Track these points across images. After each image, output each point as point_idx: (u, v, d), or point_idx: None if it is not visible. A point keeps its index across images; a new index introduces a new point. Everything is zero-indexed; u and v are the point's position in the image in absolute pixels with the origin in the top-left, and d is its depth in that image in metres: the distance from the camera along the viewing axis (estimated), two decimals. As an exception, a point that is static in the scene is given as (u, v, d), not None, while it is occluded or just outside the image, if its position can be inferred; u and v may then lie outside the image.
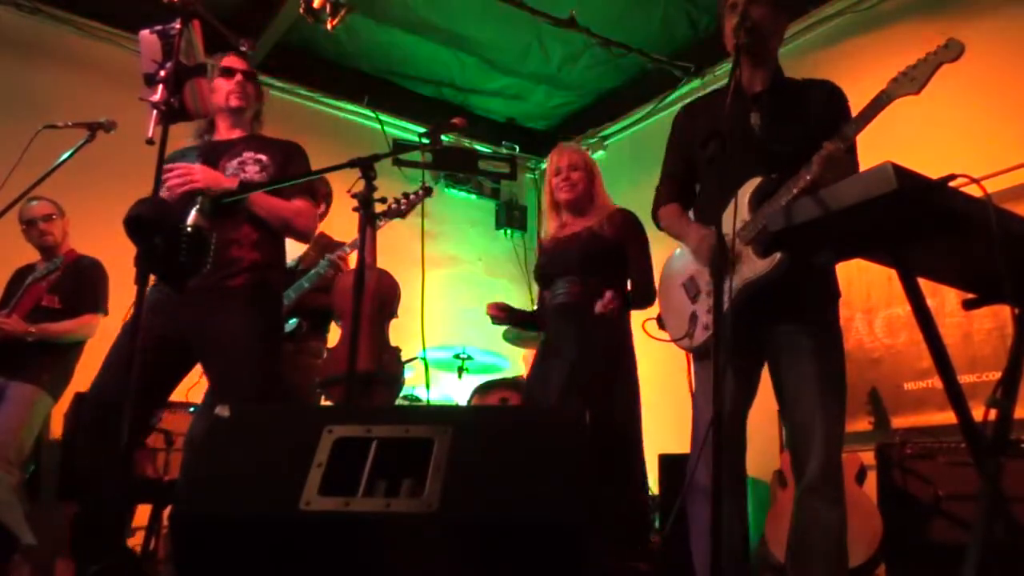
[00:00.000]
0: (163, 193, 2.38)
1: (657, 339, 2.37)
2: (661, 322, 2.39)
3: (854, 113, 2.04)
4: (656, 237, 2.64)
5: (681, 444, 2.28)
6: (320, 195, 3.26)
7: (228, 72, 2.68)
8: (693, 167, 2.39)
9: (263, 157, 2.60)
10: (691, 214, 2.41)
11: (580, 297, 2.86)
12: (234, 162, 2.58)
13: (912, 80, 1.91)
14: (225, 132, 2.71)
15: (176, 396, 2.72)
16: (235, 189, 2.44)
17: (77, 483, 3.04)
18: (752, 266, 2.06)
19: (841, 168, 1.95)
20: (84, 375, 3.74)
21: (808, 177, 1.97)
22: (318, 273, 3.45)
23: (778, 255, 1.99)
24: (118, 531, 2.46)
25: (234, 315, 2.41)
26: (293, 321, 3.55)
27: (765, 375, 2.23)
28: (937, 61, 1.89)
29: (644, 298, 2.88)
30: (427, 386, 3.28)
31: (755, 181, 2.11)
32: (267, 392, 2.40)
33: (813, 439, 2.03)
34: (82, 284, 3.75)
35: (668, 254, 2.44)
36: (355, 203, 2.25)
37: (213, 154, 2.62)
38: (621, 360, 2.89)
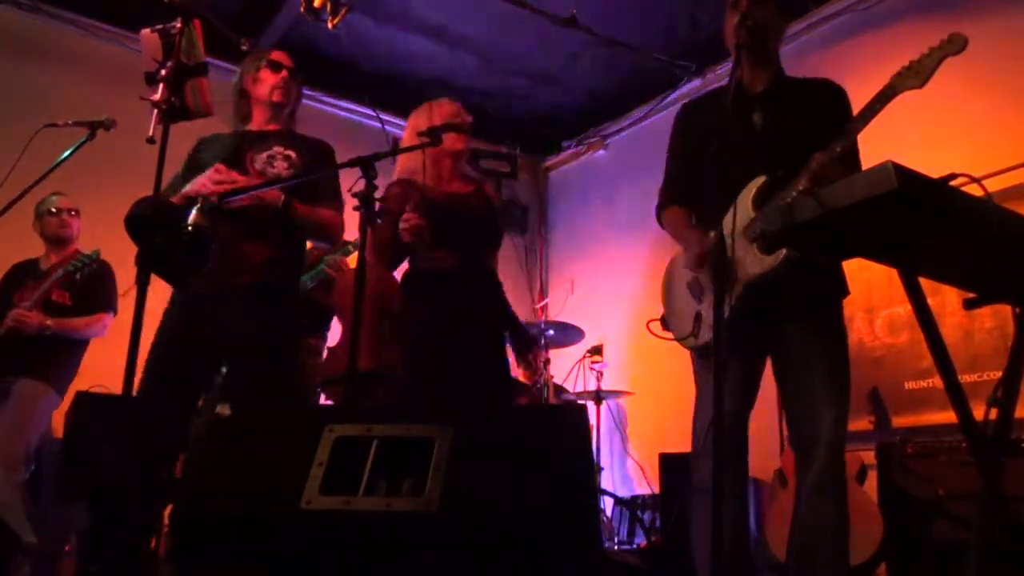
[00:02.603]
0: (191, 188, 2.39)
1: (661, 338, 2.37)
2: (665, 322, 2.39)
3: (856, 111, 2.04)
4: (652, 244, 2.64)
5: (682, 444, 2.28)
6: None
7: (275, 66, 2.70)
8: (695, 166, 2.39)
9: (292, 154, 2.60)
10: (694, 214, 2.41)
11: (463, 266, 2.70)
12: (263, 155, 2.58)
13: (916, 74, 1.91)
14: (260, 124, 2.71)
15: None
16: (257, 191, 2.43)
17: (100, 488, 3.03)
18: (759, 263, 2.06)
19: (832, 179, 1.95)
20: (86, 374, 3.75)
21: (801, 187, 1.97)
22: (320, 271, 3.45)
23: (783, 251, 1.99)
24: (141, 538, 2.46)
25: (245, 313, 2.43)
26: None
27: (766, 374, 2.23)
28: (941, 54, 1.89)
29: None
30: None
31: (759, 180, 2.12)
32: (279, 389, 2.41)
33: (818, 438, 2.03)
34: (94, 283, 3.73)
35: (666, 255, 2.44)
36: (356, 202, 2.25)
37: (244, 144, 2.62)
38: (501, 332, 2.81)
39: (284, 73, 2.70)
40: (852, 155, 2.13)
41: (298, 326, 2.70)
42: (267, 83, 2.69)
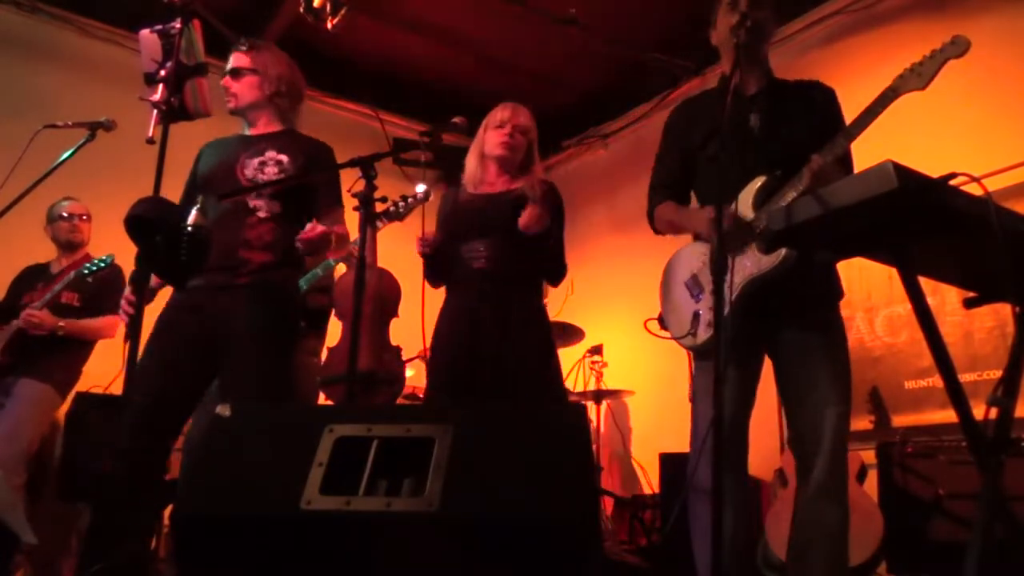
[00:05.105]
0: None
1: (660, 337, 2.37)
2: (663, 321, 2.39)
3: (853, 111, 2.04)
4: (652, 243, 2.64)
5: (682, 443, 2.28)
6: None
7: (233, 73, 2.69)
8: (688, 170, 2.39)
9: (284, 158, 2.56)
10: None
11: (502, 264, 2.68)
12: (255, 161, 2.56)
13: (919, 76, 1.92)
14: (259, 127, 2.70)
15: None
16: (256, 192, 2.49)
17: (100, 487, 3.03)
18: (757, 262, 2.06)
19: (830, 180, 1.95)
20: (86, 374, 3.75)
21: (800, 187, 1.98)
22: (315, 275, 3.45)
23: (784, 251, 1.99)
24: (137, 534, 2.46)
25: (243, 313, 2.42)
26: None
27: (766, 375, 2.22)
28: (943, 57, 1.90)
29: (558, 274, 2.81)
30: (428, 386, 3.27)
31: (759, 180, 2.12)
32: (274, 391, 2.41)
33: (821, 439, 2.03)
34: (104, 285, 3.74)
35: (666, 255, 2.44)
36: (355, 202, 2.25)
37: (240, 149, 2.60)
38: (545, 336, 2.74)
39: (225, 79, 2.67)
40: (846, 156, 2.13)
41: (296, 323, 2.71)
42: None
